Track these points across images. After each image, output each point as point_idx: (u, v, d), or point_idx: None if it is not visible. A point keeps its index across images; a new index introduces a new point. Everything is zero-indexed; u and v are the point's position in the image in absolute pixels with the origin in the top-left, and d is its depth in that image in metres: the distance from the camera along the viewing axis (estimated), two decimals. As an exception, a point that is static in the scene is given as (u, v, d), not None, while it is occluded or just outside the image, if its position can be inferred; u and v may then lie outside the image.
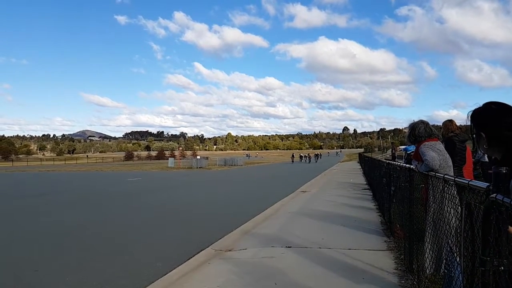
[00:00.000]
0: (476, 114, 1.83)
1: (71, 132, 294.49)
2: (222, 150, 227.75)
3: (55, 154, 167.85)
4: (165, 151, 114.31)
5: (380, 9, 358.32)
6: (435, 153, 3.42)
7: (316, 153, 73.64)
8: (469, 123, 1.82)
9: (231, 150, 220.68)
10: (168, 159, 58.45)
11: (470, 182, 2.26)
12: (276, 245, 5.66)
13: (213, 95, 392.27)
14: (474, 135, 1.83)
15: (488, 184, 1.93)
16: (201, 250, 5.59)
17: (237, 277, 4.33)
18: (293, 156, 62.80)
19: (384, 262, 4.63)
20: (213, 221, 8.57)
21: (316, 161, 58.19)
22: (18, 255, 6.00)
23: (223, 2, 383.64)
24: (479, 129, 1.82)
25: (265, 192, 15.18)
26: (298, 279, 4.17)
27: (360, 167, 31.97)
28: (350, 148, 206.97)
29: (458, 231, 2.99)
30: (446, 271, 3.11)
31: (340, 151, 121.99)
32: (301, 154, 65.05)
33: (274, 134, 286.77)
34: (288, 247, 5.51)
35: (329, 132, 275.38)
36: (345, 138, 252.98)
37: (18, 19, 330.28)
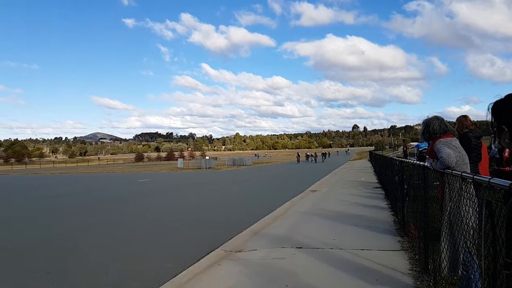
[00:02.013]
0: (498, 107, 1.70)
1: (83, 135, 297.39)
2: (230, 150, 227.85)
3: (67, 157, 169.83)
4: (174, 152, 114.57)
5: (388, 5, 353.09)
6: (451, 150, 3.29)
7: (323, 151, 69.86)
8: (489, 116, 1.70)
9: (240, 150, 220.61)
10: (177, 160, 58.75)
11: (491, 180, 2.15)
12: (287, 245, 5.58)
13: (221, 96, 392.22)
14: (494, 129, 1.71)
15: (511, 182, 1.82)
16: (211, 251, 5.53)
17: (248, 279, 4.27)
18: (298, 155, 57.34)
19: (398, 263, 4.52)
20: (223, 222, 8.52)
21: (323, 161, 54.37)
22: (30, 257, 6.01)
23: (229, 3, 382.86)
24: (501, 123, 1.69)
25: (274, 191, 15.09)
26: (309, 281, 4.09)
27: (371, 165, 31.67)
28: (361, 146, 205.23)
29: (477, 231, 2.88)
30: (464, 272, 2.99)
31: (348, 149, 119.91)
32: (307, 153, 61.05)
33: (283, 133, 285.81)
34: (299, 247, 5.43)
35: (338, 131, 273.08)
36: (355, 136, 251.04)
37: (28, 25, 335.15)
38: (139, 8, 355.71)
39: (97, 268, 5.26)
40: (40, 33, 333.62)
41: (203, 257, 5.24)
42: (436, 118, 3.58)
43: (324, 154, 62.53)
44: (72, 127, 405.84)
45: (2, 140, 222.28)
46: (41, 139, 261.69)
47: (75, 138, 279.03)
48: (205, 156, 77.02)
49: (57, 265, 5.50)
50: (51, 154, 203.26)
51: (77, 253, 6.19)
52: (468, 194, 2.87)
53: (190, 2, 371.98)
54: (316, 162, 51.06)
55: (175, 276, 4.51)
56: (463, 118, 5.00)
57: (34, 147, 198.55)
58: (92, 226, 8.66)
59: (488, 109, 1.71)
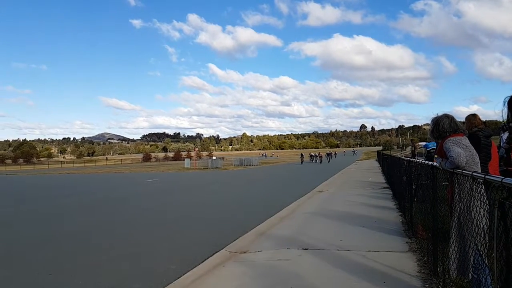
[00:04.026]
0: None
1: (91, 135, 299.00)
2: (237, 150, 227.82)
3: (75, 157, 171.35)
4: (181, 152, 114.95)
5: (395, 4, 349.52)
6: (461, 149, 3.19)
7: (327, 151, 63.72)
8: (505, 111, 1.62)
9: (247, 150, 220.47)
10: (184, 160, 58.88)
11: (503, 180, 2.06)
12: (292, 247, 5.50)
13: (228, 96, 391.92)
14: (510, 124, 1.63)
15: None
16: (216, 252, 5.48)
17: (252, 281, 4.20)
18: (302, 156, 53.44)
19: (406, 265, 4.42)
20: (228, 222, 8.47)
21: (328, 161, 50.69)
22: (33, 257, 6.01)
23: (236, 3, 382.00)
24: None
25: (280, 192, 15.00)
26: (315, 283, 4.01)
27: (378, 165, 31.44)
28: (368, 146, 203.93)
29: (489, 233, 2.78)
30: (475, 276, 2.89)
31: (355, 150, 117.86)
32: (312, 153, 56.46)
33: (290, 133, 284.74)
34: (305, 249, 5.34)
35: (346, 130, 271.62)
36: (363, 136, 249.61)
37: (37, 27, 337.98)
38: (146, 9, 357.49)
39: (99, 269, 5.23)
40: (49, 34, 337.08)
41: (207, 258, 5.19)
42: (446, 116, 3.47)
43: (329, 155, 57.74)
44: (80, 128, 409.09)
45: (11, 141, 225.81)
46: (49, 140, 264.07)
47: (83, 138, 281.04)
48: (212, 156, 77.13)
49: (60, 265, 5.49)
50: (59, 154, 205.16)
51: (80, 253, 6.18)
52: (479, 195, 2.78)
53: (197, 3, 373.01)
54: (321, 163, 47.87)
55: (179, 277, 4.45)
56: (472, 117, 4.88)
57: (42, 147, 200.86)
58: (96, 226, 8.67)
59: (504, 103, 1.63)
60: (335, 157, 67.45)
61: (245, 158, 50.26)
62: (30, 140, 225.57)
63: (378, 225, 6.84)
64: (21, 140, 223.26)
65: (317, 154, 53.91)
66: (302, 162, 49.96)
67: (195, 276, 4.44)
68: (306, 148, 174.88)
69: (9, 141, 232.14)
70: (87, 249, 6.46)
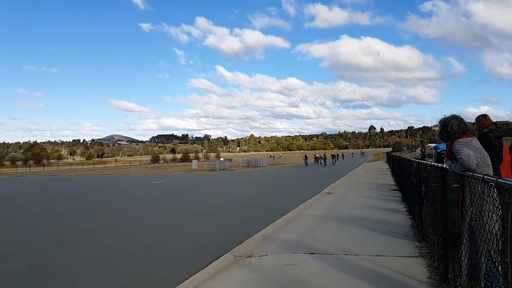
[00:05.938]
0: None
1: (100, 137, 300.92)
2: (245, 151, 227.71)
3: (84, 159, 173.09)
4: (189, 154, 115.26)
5: (403, 5, 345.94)
6: (471, 151, 3.07)
7: (332, 153, 60.55)
8: None
9: (254, 151, 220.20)
10: (192, 161, 58.99)
11: (518, 185, 1.95)
12: (299, 251, 5.40)
13: (236, 97, 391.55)
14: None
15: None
16: (220, 256, 5.39)
17: (257, 286, 4.12)
18: (306, 157, 50.20)
19: (416, 270, 4.29)
20: (233, 225, 8.39)
21: (333, 163, 47.87)
22: (35, 260, 5.98)
23: (243, 6, 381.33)
24: None
25: (287, 194, 14.89)
26: (321, 289, 3.91)
27: (388, 167, 31.12)
28: (377, 147, 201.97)
29: (502, 239, 2.66)
30: (488, 284, 2.77)
31: (363, 151, 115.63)
32: (316, 155, 52.86)
33: (298, 134, 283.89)
34: (312, 253, 5.24)
35: (354, 132, 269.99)
36: (372, 137, 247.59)
37: (47, 30, 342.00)
38: (155, 12, 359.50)
39: (101, 272, 5.19)
40: (59, 37, 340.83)
41: (211, 262, 5.10)
42: (455, 117, 3.36)
43: (334, 156, 54.20)
44: (90, 129, 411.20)
45: (22, 142, 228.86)
46: (59, 141, 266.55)
47: (92, 140, 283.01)
48: (220, 157, 77.17)
49: (61, 268, 5.46)
50: (69, 156, 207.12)
51: (82, 256, 6.15)
52: (491, 199, 2.66)
53: (205, 6, 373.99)
54: (325, 165, 44.75)
55: (181, 282, 4.38)
56: (483, 118, 4.76)
57: (52, 149, 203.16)
58: (98, 229, 8.63)
59: None
60: (343, 158, 65.84)
61: (253, 160, 50.10)
62: (40, 142, 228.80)
63: (387, 228, 6.70)
64: (32, 142, 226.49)
65: (322, 155, 50.26)
66: (306, 164, 46.48)
67: (198, 281, 4.36)
68: (314, 150, 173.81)
69: (20, 143, 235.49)
70: (89, 252, 6.42)
